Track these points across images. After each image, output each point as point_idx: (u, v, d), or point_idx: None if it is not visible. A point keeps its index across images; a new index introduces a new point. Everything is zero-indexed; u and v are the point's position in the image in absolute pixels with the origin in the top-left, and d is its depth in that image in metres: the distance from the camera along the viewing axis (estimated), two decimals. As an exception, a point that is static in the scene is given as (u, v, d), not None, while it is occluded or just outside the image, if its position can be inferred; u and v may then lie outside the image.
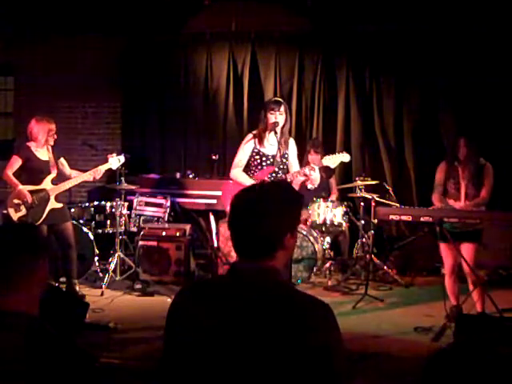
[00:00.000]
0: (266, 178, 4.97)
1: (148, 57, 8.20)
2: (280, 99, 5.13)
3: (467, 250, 4.87)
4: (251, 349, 1.53)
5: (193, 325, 1.62)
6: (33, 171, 5.62)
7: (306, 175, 4.92)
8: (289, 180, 4.92)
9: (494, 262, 6.21)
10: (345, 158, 5.06)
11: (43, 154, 5.68)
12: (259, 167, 5.03)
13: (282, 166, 4.96)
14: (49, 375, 1.66)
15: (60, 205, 5.73)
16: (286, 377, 1.50)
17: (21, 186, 5.54)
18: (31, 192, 5.55)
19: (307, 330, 1.53)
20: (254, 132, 5.09)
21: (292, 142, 5.13)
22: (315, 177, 4.93)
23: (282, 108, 4.95)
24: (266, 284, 1.63)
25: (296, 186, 6.47)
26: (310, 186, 5.09)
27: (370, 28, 7.52)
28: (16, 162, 5.59)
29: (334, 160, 5.00)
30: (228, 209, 1.78)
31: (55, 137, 5.72)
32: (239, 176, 5.04)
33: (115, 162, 5.92)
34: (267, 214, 1.65)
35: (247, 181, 4.91)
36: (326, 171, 7.26)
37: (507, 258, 6.27)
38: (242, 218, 1.68)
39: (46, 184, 5.66)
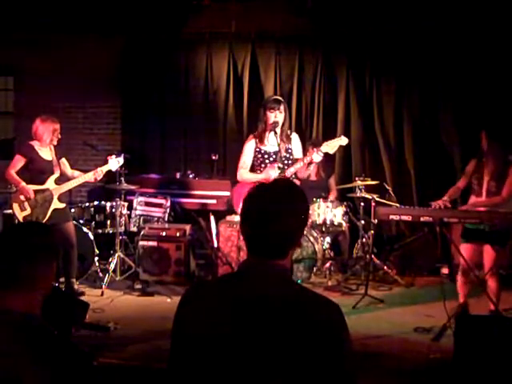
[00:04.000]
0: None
1: (148, 57, 8.19)
2: (279, 98, 5.12)
3: (488, 251, 4.77)
4: (265, 348, 1.52)
5: (205, 325, 1.59)
6: (36, 171, 5.63)
7: (309, 160, 4.89)
8: (293, 171, 4.92)
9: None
10: (342, 141, 5.02)
11: (46, 153, 5.68)
12: (262, 165, 5.04)
13: (286, 161, 4.95)
14: (46, 373, 1.66)
15: (63, 205, 5.75)
16: (298, 376, 1.49)
17: (24, 183, 5.55)
18: (35, 191, 5.57)
19: (321, 330, 1.52)
20: (255, 133, 5.11)
21: (295, 137, 5.12)
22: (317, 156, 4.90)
23: (282, 107, 4.95)
24: (280, 283, 1.61)
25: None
26: (307, 173, 5.06)
27: (369, 28, 7.52)
28: (19, 162, 5.59)
29: (332, 145, 4.95)
30: (240, 209, 1.75)
31: (59, 137, 5.73)
32: (246, 176, 5.05)
33: (114, 163, 5.92)
34: (290, 213, 1.63)
35: (255, 177, 4.92)
36: (326, 171, 7.28)
37: (507, 258, 6.25)
38: (263, 218, 1.61)
39: (50, 184, 5.66)
